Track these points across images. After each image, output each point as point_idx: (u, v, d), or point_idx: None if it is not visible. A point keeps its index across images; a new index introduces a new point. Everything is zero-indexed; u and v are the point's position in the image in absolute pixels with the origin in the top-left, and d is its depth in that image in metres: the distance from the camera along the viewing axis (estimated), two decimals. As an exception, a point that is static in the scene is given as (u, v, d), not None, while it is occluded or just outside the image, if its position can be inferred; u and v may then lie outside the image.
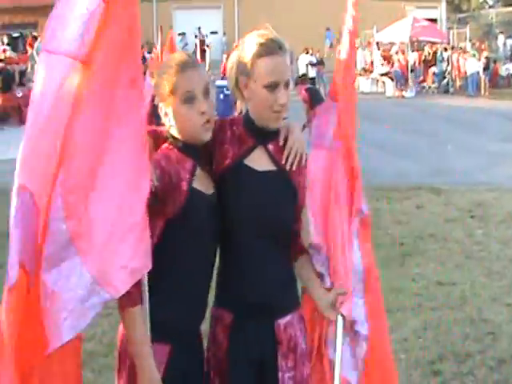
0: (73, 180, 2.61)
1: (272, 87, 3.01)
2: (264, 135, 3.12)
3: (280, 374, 3.11)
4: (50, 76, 2.71)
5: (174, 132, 3.01)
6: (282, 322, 3.14)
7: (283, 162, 3.12)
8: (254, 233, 3.07)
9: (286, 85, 3.05)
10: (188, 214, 2.93)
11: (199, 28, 39.99)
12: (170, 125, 3.02)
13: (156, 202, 2.81)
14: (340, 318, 3.16)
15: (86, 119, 2.63)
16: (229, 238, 3.12)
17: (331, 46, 38.15)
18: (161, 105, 3.02)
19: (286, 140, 3.14)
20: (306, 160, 3.18)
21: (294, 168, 3.12)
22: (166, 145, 3.03)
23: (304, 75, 15.56)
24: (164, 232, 2.91)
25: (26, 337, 2.61)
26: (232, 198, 3.08)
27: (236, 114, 3.56)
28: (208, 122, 2.99)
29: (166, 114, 3.01)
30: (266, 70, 3.00)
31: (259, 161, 3.12)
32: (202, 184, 3.02)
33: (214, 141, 3.09)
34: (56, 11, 2.77)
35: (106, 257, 2.62)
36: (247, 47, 3.06)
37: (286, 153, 3.12)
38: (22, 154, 2.75)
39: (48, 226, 2.62)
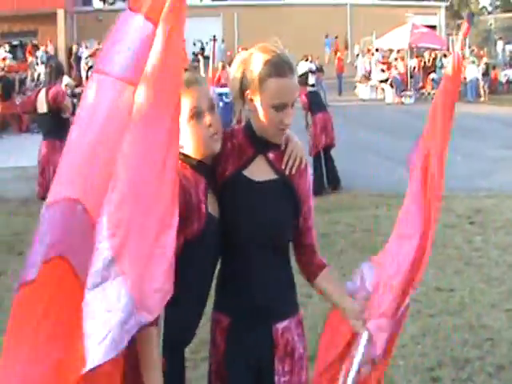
0: (118, 198, 2.62)
1: (279, 108, 3.03)
2: (264, 144, 3.15)
3: (276, 378, 3.15)
4: (102, 96, 2.74)
5: (185, 151, 3.04)
6: (280, 326, 3.18)
7: (283, 167, 3.15)
8: (252, 241, 3.11)
9: (293, 105, 3.09)
10: (205, 238, 3.00)
11: (214, 36, 40.10)
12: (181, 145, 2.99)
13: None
14: (366, 333, 3.14)
15: (132, 141, 2.65)
16: (228, 244, 3.15)
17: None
18: None
19: (285, 146, 3.18)
20: (305, 164, 3.22)
21: (293, 171, 3.16)
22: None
23: (304, 74, 15.42)
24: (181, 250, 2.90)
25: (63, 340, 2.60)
26: (230, 209, 3.11)
27: (235, 121, 3.53)
28: (216, 133, 3.03)
29: None
30: (275, 91, 3.02)
31: (259, 170, 3.15)
32: (213, 208, 3.07)
33: (216, 154, 3.13)
34: (111, 34, 2.87)
35: (144, 279, 2.60)
36: (256, 62, 3.06)
37: (285, 158, 3.16)
38: (66, 167, 2.75)
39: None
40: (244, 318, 3.14)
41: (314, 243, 3.31)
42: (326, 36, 44.13)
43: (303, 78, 14.59)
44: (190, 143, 3.02)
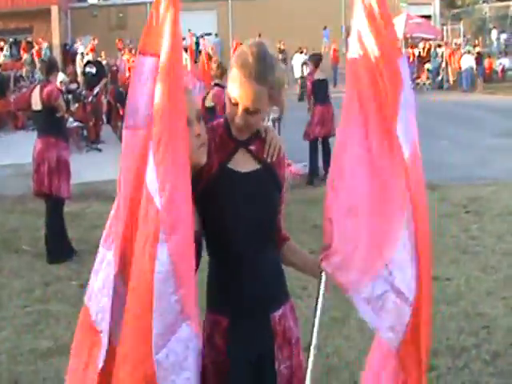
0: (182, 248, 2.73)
1: (234, 103, 3.03)
2: (243, 141, 3.17)
3: (277, 365, 3.18)
4: (132, 151, 2.86)
5: None
6: (277, 314, 3.20)
7: (264, 156, 3.17)
8: (241, 232, 3.10)
9: (250, 112, 3.02)
10: None
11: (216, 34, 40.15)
12: None
13: None
14: (323, 276, 3.14)
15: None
16: (218, 239, 3.16)
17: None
18: None
19: (265, 135, 3.21)
20: (283, 153, 3.24)
21: (274, 159, 3.18)
22: None
23: (317, 55, 15.24)
24: None
25: None
26: (219, 202, 3.10)
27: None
28: (203, 145, 3.03)
29: None
30: (232, 86, 3.03)
31: (243, 162, 3.15)
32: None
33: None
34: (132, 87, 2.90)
35: None
36: (237, 54, 3.07)
37: (266, 146, 3.18)
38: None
39: (155, 304, 2.69)
40: (242, 314, 3.14)
41: (282, 224, 3.35)
42: (325, 27, 44.05)
43: (315, 60, 14.46)
44: None
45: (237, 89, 3.00)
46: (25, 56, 32.12)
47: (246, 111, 3.02)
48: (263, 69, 3.00)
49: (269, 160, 3.17)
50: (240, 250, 3.12)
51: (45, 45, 35.96)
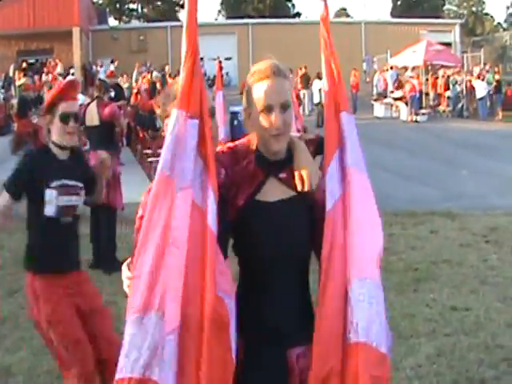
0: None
1: (267, 110, 3.02)
2: (273, 166, 3.12)
3: None
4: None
5: None
6: (295, 351, 3.11)
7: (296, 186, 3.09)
8: (272, 266, 3.08)
9: (283, 108, 3.04)
10: None
11: (218, 57, 40.36)
12: None
13: None
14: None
15: None
16: (244, 268, 3.15)
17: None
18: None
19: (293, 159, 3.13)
20: (319, 176, 3.11)
21: (306, 189, 3.06)
22: None
23: None
24: None
25: None
26: (248, 236, 3.08)
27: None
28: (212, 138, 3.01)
29: None
30: (259, 94, 3.03)
31: (272, 192, 3.11)
32: None
33: (226, 169, 3.09)
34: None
35: None
36: (248, 78, 3.10)
37: (295, 178, 3.08)
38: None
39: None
40: (258, 340, 3.09)
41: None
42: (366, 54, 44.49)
43: None
44: None
45: (266, 92, 3.02)
46: (44, 77, 32.36)
47: (281, 108, 3.03)
48: (278, 66, 3.08)
49: (299, 189, 3.08)
50: (266, 278, 3.09)
51: (59, 66, 36.25)
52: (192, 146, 2.88)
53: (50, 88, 25.16)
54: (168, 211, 2.82)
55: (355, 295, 2.94)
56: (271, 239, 3.06)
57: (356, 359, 2.89)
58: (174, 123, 2.88)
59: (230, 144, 3.24)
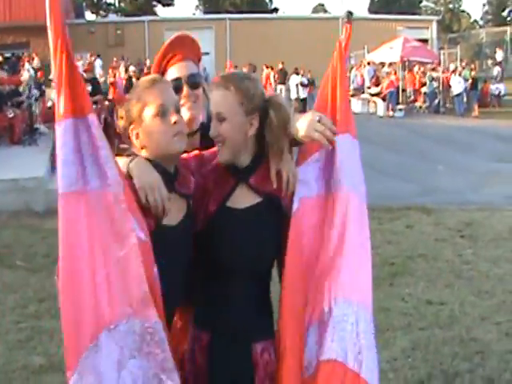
0: None
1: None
2: (244, 172, 3.11)
3: None
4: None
5: (146, 153, 2.99)
6: (259, 346, 3.16)
7: (278, 188, 3.09)
8: (234, 271, 3.12)
9: (217, 118, 3.04)
10: (161, 239, 2.90)
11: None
12: (141, 146, 2.99)
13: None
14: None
15: None
16: (212, 266, 3.16)
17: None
18: (131, 128, 3.00)
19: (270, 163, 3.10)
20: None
21: (290, 191, 3.11)
22: None
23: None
24: None
25: None
26: (216, 240, 3.10)
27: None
28: (180, 132, 2.97)
29: (137, 136, 2.99)
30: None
31: (242, 197, 3.12)
32: (171, 212, 2.99)
33: (193, 174, 3.11)
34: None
35: None
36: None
37: (283, 185, 3.09)
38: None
39: None
40: (223, 336, 3.14)
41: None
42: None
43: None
44: (152, 140, 2.95)
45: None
46: (22, 71, 32.16)
47: (216, 118, 3.04)
48: (226, 78, 3.09)
49: (283, 195, 3.11)
50: (230, 281, 3.13)
51: (36, 61, 36.01)
52: (80, 147, 2.74)
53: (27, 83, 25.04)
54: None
55: (337, 315, 3.00)
56: (239, 246, 3.09)
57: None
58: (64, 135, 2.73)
59: (196, 152, 3.24)
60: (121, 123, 3.06)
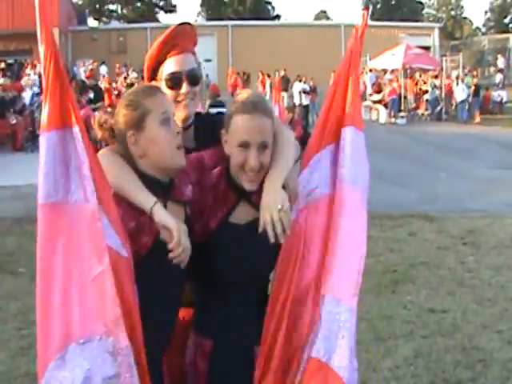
0: None
1: (244, 146, 2.98)
2: (244, 191, 3.10)
3: None
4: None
5: (145, 163, 2.94)
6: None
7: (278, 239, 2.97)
8: (235, 284, 3.16)
9: (262, 147, 3.00)
10: (156, 256, 2.88)
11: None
12: (139, 154, 2.94)
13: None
14: None
15: None
16: (212, 278, 3.17)
17: None
18: (129, 134, 2.93)
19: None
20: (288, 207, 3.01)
21: (281, 239, 2.96)
22: None
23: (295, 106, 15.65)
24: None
25: None
26: (215, 254, 3.11)
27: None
28: (181, 146, 2.95)
29: (135, 142, 2.94)
30: (239, 127, 2.99)
31: (244, 213, 3.13)
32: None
33: (193, 184, 3.08)
34: None
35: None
36: (231, 105, 3.08)
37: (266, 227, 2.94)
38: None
39: None
40: (226, 343, 3.16)
41: None
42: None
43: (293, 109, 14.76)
44: (156, 149, 2.90)
45: (244, 128, 2.97)
46: (25, 78, 32.19)
47: (259, 148, 2.99)
48: (264, 103, 3.06)
49: (273, 240, 2.97)
50: (227, 293, 3.17)
51: (38, 67, 36.08)
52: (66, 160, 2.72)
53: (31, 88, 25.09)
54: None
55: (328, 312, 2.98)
56: (240, 260, 3.11)
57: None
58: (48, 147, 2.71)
59: (197, 154, 3.20)
60: (100, 130, 3.04)
